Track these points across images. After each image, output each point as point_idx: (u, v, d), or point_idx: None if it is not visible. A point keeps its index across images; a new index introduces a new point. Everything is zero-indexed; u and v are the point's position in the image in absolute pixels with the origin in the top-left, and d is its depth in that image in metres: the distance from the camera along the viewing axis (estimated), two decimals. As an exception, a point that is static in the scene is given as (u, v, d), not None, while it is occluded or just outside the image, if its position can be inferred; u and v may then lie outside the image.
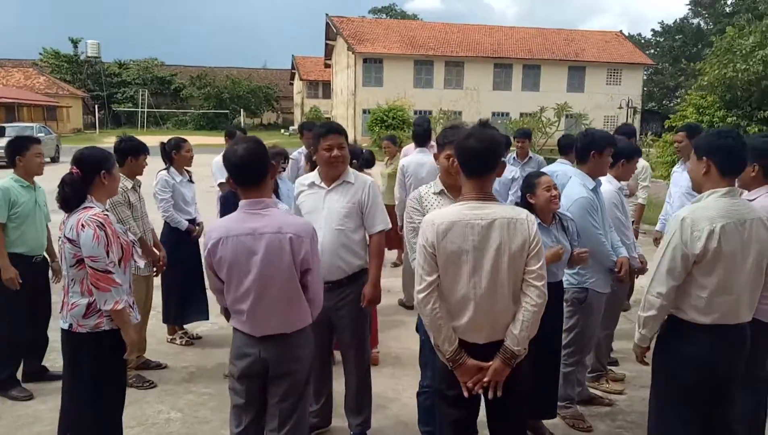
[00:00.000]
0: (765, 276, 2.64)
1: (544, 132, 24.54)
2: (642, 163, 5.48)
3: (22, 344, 4.21)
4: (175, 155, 4.94)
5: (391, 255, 7.28)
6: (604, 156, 3.67)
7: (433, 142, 6.20)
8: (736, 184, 2.72)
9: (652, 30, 60.04)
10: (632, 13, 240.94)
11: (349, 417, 3.59)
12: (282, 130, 45.27)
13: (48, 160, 20.28)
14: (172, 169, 4.94)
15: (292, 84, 57.38)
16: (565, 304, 3.65)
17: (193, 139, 7.86)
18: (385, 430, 3.76)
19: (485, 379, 2.41)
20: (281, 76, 59.52)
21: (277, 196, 3.86)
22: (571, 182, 3.73)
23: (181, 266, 4.80)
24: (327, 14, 40.44)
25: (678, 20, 52.56)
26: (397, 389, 4.31)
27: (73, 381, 2.93)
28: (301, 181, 3.45)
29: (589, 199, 3.57)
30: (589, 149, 3.69)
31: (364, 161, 5.90)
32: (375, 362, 4.46)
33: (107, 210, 2.99)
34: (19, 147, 4.14)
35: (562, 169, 5.38)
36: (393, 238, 5.26)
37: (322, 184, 3.35)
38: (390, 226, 3.45)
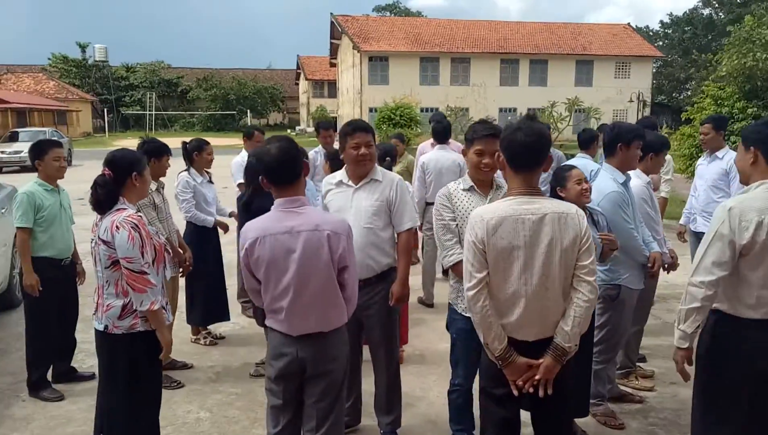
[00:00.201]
0: None
1: (555, 127, 24.43)
2: (666, 156, 5.43)
3: (52, 346, 4.23)
4: (196, 156, 4.94)
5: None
6: (632, 149, 3.63)
7: (451, 140, 6.23)
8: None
9: (661, 22, 59.72)
10: (638, 6, 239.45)
11: (379, 416, 3.58)
12: (288, 130, 45.31)
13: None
14: (192, 170, 4.95)
15: (297, 84, 57.44)
16: (597, 300, 3.61)
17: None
18: (414, 428, 3.75)
19: (537, 377, 2.38)
20: (286, 77, 59.58)
21: None
22: (600, 176, 3.69)
23: (204, 267, 4.81)
24: (332, 13, 40.47)
25: (687, 11, 52.15)
26: (423, 387, 4.30)
27: (110, 382, 2.94)
28: (328, 180, 3.44)
29: (620, 192, 3.53)
30: (616, 142, 3.65)
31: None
32: (400, 361, 4.44)
33: (139, 211, 3.00)
34: (38, 151, 4.16)
35: (582, 164, 5.31)
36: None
37: (350, 183, 3.34)
38: (419, 223, 3.43)
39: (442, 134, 5.66)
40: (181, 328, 5.16)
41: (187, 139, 5.08)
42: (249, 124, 44.62)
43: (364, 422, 3.72)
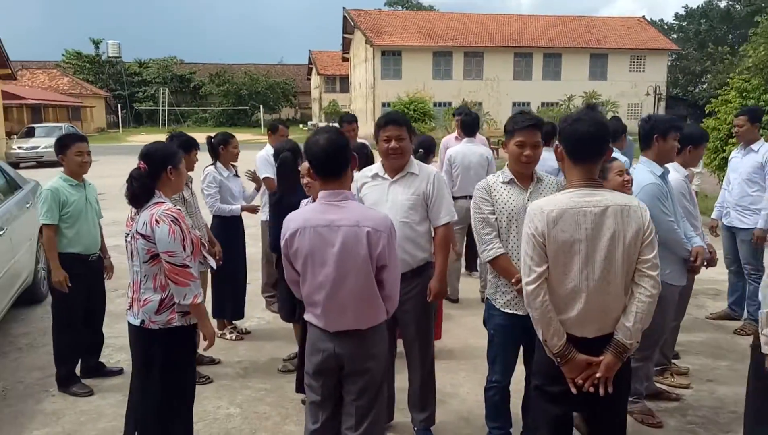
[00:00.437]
0: None
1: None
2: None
3: (80, 341, 4.22)
4: (222, 150, 4.91)
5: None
6: (669, 140, 3.54)
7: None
8: None
9: (675, 14, 58.94)
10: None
11: (413, 412, 3.54)
12: (300, 126, 45.34)
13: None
14: (218, 164, 4.92)
15: (309, 79, 57.46)
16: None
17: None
18: (447, 426, 3.70)
19: (597, 375, 2.32)
20: (298, 72, 59.63)
21: None
22: (638, 169, 3.60)
23: (232, 261, 4.78)
24: (344, 8, 40.33)
25: (703, 4, 51.41)
26: (454, 384, 4.24)
27: (144, 378, 2.91)
28: (364, 173, 3.39)
29: (658, 185, 3.45)
30: (652, 133, 3.56)
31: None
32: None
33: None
34: (61, 146, 4.11)
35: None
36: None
37: (386, 176, 3.28)
38: (456, 217, 3.36)
39: (471, 127, 5.57)
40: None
41: (212, 134, 5.05)
42: (261, 119, 44.73)
43: (397, 419, 3.68)
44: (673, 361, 4.36)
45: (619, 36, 39.38)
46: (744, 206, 5.05)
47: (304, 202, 3.92)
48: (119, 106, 48.85)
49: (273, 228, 4.08)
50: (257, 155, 5.56)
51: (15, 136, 24.20)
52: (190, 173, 4.34)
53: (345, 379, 2.63)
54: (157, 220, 2.74)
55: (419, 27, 38.51)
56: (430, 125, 28.62)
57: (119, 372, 4.40)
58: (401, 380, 3.61)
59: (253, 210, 5.12)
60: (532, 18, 41.06)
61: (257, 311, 5.58)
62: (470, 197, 5.28)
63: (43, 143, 21.05)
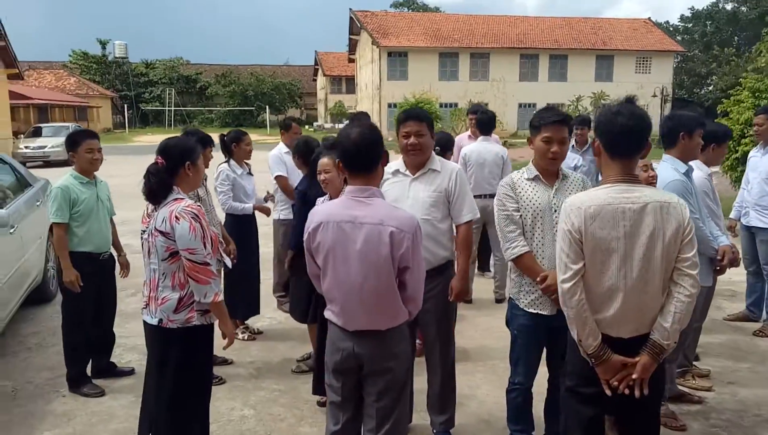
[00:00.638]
0: None
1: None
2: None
3: (90, 341, 4.16)
4: (234, 148, 4.86)
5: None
6: (695, 138, 3.46)
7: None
8: None
9: (681, 16, 58.74)
10: (656, 1, 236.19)
11: (432, 415, 3.47)
12: (306, 126, 45.37)
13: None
14: (232, 161, 4.87)
15: (315, 80, 57.46)
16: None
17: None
18: (467, 428, 3.62)
19: (633, 376, 2.25)
20: (304, 73, 59.64)
21: None
22: (661, 166, 3.52)
23: (244, 261, 4.71)
24: (351, 9, 40.32)
25: (708, 6, 51.24)
26: (471, 386, 4.16)
27: (161, 377, 2.84)
28: (384, 169, 3.32)
29: (683, 181, 3.37)
30: (677, 131, 3.48)
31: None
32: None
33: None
34: (71, 143, 4.04)
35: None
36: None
37: (407, 172, 3.21)
38: (479, 215, 3.29)
39: (487, 125, 5.50)
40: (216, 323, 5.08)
41: (225, 132, 5.00)
42: (267, 120, 44.75)
43: (415, 421, 3.60)
44: (693, 363, 4.28)
45: (624, 38, 39.26)
46: (764, 206, 4.96)
47: (320, 199, 3.87)
48: (125, 106, 48.95)
49: (297, 226, 4.05)
50: (270, 153, 5.50)
51: (22, 135, 24.26)
52: (205, 171, 4.31)
53: (365, 380, 2.56)
54: (177, 217, 2.68)
55: (425, 28, 38.47)
56: (436, 126, 28.50)
57: (131, 372, 4.34)
58: (419, 382, 3.54)
59: (266, 211, 5.07)
60: (538, 19, 40.96)
61: (269, 311, 5.51)
62: (485, 196, 5.33)
63: (50, 143, 21.09)
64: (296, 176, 5.44)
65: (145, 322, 2.91)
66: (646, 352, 2.27)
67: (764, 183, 4.93)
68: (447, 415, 3.42)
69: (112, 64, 53.55)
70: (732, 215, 5.35)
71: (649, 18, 42.48)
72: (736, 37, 48.55)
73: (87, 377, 4.12)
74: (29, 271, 5.34)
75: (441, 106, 33.17)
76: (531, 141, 2.93)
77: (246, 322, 5.13)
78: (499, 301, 5.87)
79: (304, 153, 4.16)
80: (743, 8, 47.46)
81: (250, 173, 5.02)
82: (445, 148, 4.94)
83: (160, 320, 2.78)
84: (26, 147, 21.52)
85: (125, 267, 4.35)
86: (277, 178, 5.37)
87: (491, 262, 6.14)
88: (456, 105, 33.53)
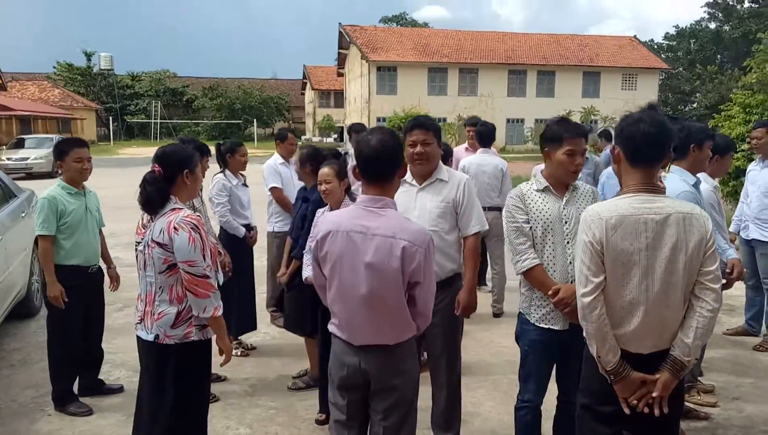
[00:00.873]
0: None
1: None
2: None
3: (77, 357, 4.00)
4: (229, 158, 4.75)
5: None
6: (704, 149, 3.43)
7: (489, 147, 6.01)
8: None
9: (666, 34, 59.77)
10: (640, 19, 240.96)
11: (436, 432, 3.35)
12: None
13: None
14: (227, 172, 4.75)
15: (303, 94, 57.50)
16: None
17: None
18: (471, 446, 3.51)
19: (654, 394, 2.16)
20: (292, 86, 59.66)
21: None
22: (670, 178, 3.47)
23: (238, 274, 4.58)
24: (340, 23, 40.52)
25: (691, 24, 52.23)
26: (473, 402, 4.05)
27: (157, 396, 2.70)
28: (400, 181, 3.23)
29: (693, 193, 3.31)
30: (688, 143, 3.44)
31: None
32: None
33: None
34: (59, 152, 3.89)
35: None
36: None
37: (414, 182, 3.12)
38: (487, 226, 3.21)
39: (487, 137, 5.45)
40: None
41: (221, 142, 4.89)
42: (255, 133, 44.58)
43: (418, 439, 3.48)
44: (698, 378, 4.21)
45: (611, 54, 39.81)
46: (763, 219, 4.93)
47: (320, 211, 3.77)
48: (110, 118, 48.53)
49: (295, 219, 4.13)
50: (265, 164, 5.40)
51: (4, 147, 23.86)
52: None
53: (372, 397, 2.45)
54: (175, 228, 2.56)
55: (415, 43, 38.71)
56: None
57: (120, 389, 4.17)
58: (422, 398, 3.40)
59: (253, 242, 4.94)
60: (526, 36, 41.42)
61: (262, 326, 5.37)
62: (484, 209, 5.22)
63: (33, 154, 20.74)
64: (291, 188, 5.34)
65: (139, 338, 2.78)
66: (667, 369, 2.19)
67: (763, 196, 4.91)
68: (452, 433, 3.31)
69: (98, 76, 53.11)
70: (731, 229, 5.31)
71: (635, 36, 43.15)
72: (719, 56, 49.44)
73: (74, 395, 3.94)
74: (13, 285, 5.15)
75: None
76: (549, 154, 2.84)
77: (240, 337, 4.98)
78: (496, 315, 5.79)
79: (315, 162, 4.03)
80: (726, 27, 48.41)
81: (245, 184, 4.90)
82: (444, 158, 4.85)
83: (157, 336, 2.64)
84: (8, 159, 21.07)
85: (115, 280, 4.20)
86: (272, 189, 5.26)
87: (488, 275, 6.06)
88: (445, 120, 33.64)
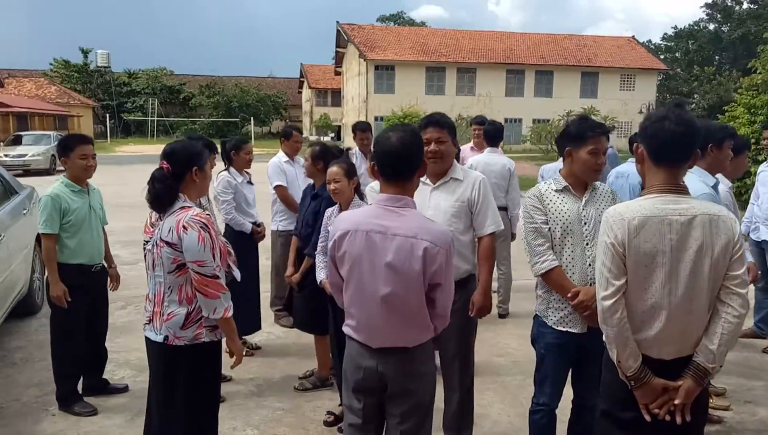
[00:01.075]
0: None
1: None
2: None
3: (81, 357, 3.93)
4: (234, 156, 4.68)
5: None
6: (724, 149, 3.37)
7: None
8: None
9: (664, 35, 59.86)
10: (637, 21, 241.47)
11: (448, 435, 3.30)
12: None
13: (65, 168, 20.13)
14: (232, 169, 4.68)
15: (300, 92, 57.37)
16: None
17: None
18: (483, 449, 3.46)
19: (676, 402, 2.11)
20: (289, 85, 59.55)
21: None
22: (689, 178, 3.41)
23: (244, 273, 4.50)
24: (338, 22, 40.40)
25: (689, 25, 52.33)
26: (483, 404, 3.99)
27: (167, 399, 2.64)
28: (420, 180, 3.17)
29: (713, 195, 3.26)
30: (706, 143, 3.38)
31: None
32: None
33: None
34: (64, 148, 3.82)
35: (633, 170, 5.09)
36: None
37: (427, 181, 3.06)
38: (503, 226, 3.16)
39: (494, 137, 5.39)
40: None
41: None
42: (252, 132, 44.45)
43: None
44: (710, 381, 4.16)
45: (609, 55, 39.81)
46: (774, 221, 4.90)
47: (329, 210, 3.71)
48: (107, 116, 48.32)
49: (302, 213, 4.09)
50: (270, 161, 5.33)
51: (1, 143, 23.71)
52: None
53: (388, 401, 2.39)
54: (184, 227, 2.50)
55: (413, 42, 38.64)
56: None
57: (124, 389, 4.11)
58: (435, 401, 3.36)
59: (261, 237, 4.87)
60: (525, 36, 41.39)
61: (266, 325, 5.30)
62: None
63: (31, 151, 20.62)
64: (295, 187, 5.28)
65: (147, 340, 2.71)
66: (690, 376, 2.12)
67: (774, 197, 4.88)
68: (464, 436, 3.25)
69: (94, 73, 52.89)
70: (741, 230, 5.28)
71: (633, 36, 43.19)
72: (717, 57, 49.55)
73: (78, 395, 3.88)
74: (15, 283, 5.08)
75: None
76: (570, 153, 2.78)
77: (244, 337, 4.91)
78: (502, 316, 5.74)
79: (326, 160, 3.97)
80: (725, 28, 48.51)
81: (250, 182, 4.84)
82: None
83: (166, 337, 2.58)
84: (5, 155, 20.92)
85: (115, 279, 4.14)
86: (276, 188, 5.19)
87: (494, 276, 5.99)
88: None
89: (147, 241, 2.83)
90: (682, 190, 2.13)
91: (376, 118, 35.65)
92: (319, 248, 3.70)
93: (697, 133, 2.12)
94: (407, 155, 2.27)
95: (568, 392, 3.01)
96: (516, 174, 5.40)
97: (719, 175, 3.64)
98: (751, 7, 46.80)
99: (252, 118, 48.74)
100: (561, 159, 6.30)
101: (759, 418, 3.86)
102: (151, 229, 3.35)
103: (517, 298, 5.94)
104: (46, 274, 3.80)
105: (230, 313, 2.58)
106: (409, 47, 37.99)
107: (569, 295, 2.69)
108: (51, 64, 52.98)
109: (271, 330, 5.34)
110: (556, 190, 2.81)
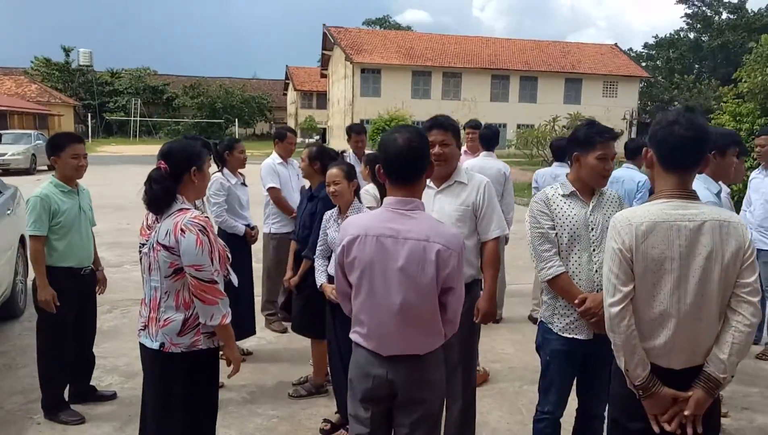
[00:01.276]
0: None
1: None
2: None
3: (68, 363, 3.80)
4: (227, 156, 4.59)
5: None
6: (728, 156, 3.34)
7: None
8: None
9: (645, 43, 60.72)
10: (618, 28, 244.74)
11: (448, 444, 3.23)
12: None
13: (45, 168, 19.75)
14: (226, 171, 4.58)
15: (285, 94, 57.13)
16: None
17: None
18: (482, 458, 3.40)
19: (686, 413, 2.05)
20: (274, 87, 59.29)
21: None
22: (694, 185, 3.39)
23: (238, 277, 4.41)
24: (324, 24, 40.30)
25: (670, 34, 53.10)
26: (481, 412, 3.91)
27: (164, 408, 2.54)
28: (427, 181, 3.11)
29: (716, 202, 3.24)
30: (709, 149, 3.36)
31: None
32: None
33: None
34: (54, 147, 3.69)
35: (628, 175, 5.10)
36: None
37: (431, 185, 3.00)
38: (508, 231, 3.10)
39: (490, 141, 5.35)
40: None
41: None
42: (236, 133, 44.14)
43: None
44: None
45: (592, 62, 40.24)
46: (767, 228, 4.92)
47: (327, 213, 3.63)
48: (89, 115, 47.63)
49: (300, 216, 4.02)
50: (263, 163, 5.24)
51: (-20, 142, 23.20)
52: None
53: (397, 410, 2.32)
54: (182, 230, 2.40)
55: (399, 46, 38.70)
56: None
57: (112, 396, 3.99)
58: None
59: (254, 239, 4.78)
60: (510, 41, 41.67)
61: (257, 330, 5.20)
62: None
63: (11, 150, 20.18)
64: (289, 188, 5.20)
65: (142, 346, 2.60)
66: (700, 386, 2.07)
67: (767, 204, 4.89)
68: (466, 445, 3.19)
69: (76, 72, 52.13)
70: (734, 237, 5.30)
71: (616, 44, 43.72)
72: (697, 65, 50.33)
73: (65, 402, 3.75)
74: (-3, 285, 4.92)
75: (414, 123, 33.27)
76: (578, 158, 2.73)
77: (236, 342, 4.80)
78: (496, 321, 5.69)
79: (324, 160, 3.90)
80: (704, 37, 49.30)
81: (244, 184, 4.74)
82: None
83: (162, 344, 2.48)
84: (-16, 154, 20.55)
85: (102, 283, 4.01)
86: (269, 189, 5.10)
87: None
88: (428, 123, 33.65)
89: (143, 244, 2.73)
90: (691, 196, 2.09)
91: (362, 121, 35.59)
92: (318, 251, 3.62)
93: (707, 139, 2.09)
94: (415, 157, 2.21)
95: (571, 400, 2.97)
96: (511, 178, 5.37)
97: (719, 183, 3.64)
98: (730, 17, 47.64)
99: (236, 119, 48.43)
100: (554, 164, 6.30)
101: (757, 425, 3.86)
102: (148, 232, 3.24)
103: (511, 302, 5.91)
104: (33, 277, 3.67)
105: (228, 320, 2.49)
106: (395, 51, 38.03)
107: (576, 301, 2.64)
108: (32, 62, 52.14)
109: (262, 335, 5.23)
110: (563, 195, 2.77)
